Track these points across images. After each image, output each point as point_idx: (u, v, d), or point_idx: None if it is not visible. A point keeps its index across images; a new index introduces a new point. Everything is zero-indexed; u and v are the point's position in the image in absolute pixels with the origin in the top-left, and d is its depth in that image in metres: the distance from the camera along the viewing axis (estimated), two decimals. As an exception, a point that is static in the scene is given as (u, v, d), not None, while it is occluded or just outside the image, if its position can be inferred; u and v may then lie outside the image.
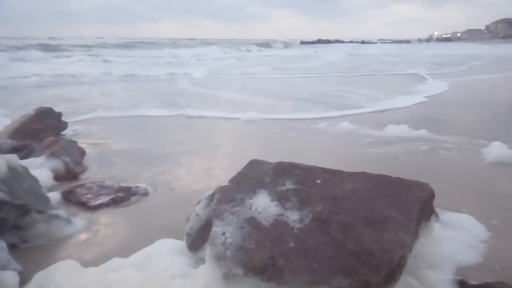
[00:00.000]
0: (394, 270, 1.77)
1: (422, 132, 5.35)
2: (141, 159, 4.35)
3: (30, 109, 5.01)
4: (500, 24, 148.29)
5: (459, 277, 2.05)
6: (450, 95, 9.33)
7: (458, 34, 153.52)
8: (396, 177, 2.27)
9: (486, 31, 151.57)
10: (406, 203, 2.07)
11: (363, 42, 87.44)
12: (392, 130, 5.51)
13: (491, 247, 2.44)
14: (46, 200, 2.79)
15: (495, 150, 4.30)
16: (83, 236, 2.65)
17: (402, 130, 5.46)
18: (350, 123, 5.99)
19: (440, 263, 2.11)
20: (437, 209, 2.60)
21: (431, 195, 2.19)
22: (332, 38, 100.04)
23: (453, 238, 2.48)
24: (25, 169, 2.88)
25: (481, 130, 5.57)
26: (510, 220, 2.81)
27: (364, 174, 2.35)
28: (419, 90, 9.75)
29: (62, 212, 2.77)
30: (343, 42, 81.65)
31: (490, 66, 19.09)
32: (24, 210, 2.50)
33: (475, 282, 1.98)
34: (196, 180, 3.72)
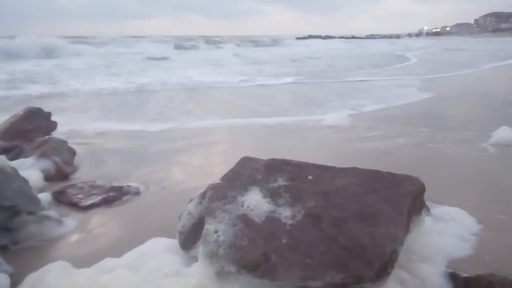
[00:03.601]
0: (386, 264, 1.78)
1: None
2: (132, 158, 4.33)
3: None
4: (488, 18, 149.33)
5: (450, 270, 2.07)
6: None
7: (448, 28, 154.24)
8: (387, 172, 2.28)
9: (475, 25, 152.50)
10: (397, 198, 2.08)
11: (353, 37, 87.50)
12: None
13: (481, 239, 2.46)
14: (37, 201, 2.76)
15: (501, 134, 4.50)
16: (75, 237, 2.63)
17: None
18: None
19: (431, 256, 2.13)
20: (428, 203, 2.62)
21: (422, 189, 2.21)
22: (323, 33, 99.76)
23: (444, 231, 2.50)
24: (15, 170, 2.84)
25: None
26: (501, 212, 2.84)
27: (355, 170, 2.35)
28: None
29: (53, 212, 2.75)
30: (333, 37, 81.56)
31: None
32: (14, 212, 2.48)
33: (466, 275, 2.00)
34: (188, 178, 3.72)
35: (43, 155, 3.69)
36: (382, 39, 72.16)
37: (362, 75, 13.03)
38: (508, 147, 4.37)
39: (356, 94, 8.84)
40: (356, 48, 32.93)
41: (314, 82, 11.59)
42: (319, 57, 22.44)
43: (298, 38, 67.53)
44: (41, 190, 3.28)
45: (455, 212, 2.77)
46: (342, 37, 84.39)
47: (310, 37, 78.16)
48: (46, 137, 4.39)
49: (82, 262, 2.13)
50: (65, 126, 5.46)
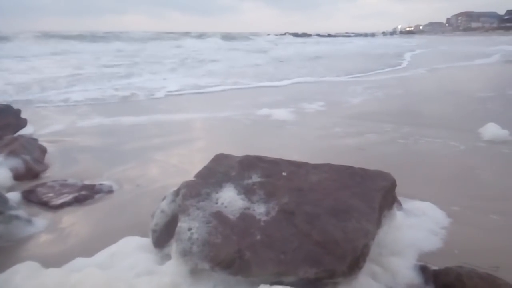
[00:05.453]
0: (358, 259, 1.81)
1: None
2: (105, 155, 4.25)
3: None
4: (460, 17, 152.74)
5: (421, 263, 2.12)
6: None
7: (421, 27, 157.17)
8: (359, 168, 2.32)
9: (447, 24, 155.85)
10: (369, 193, 2.11)
11: (329, 35, 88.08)
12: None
13: (451, 233, 2.53)
14: (5, 200, 2.68)
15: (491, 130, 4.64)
16: (45, 237, 2.56)
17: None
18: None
19: (402, 250, 2.17)
20: (400, 198, 2.68)
21: (393, 184, 2.25)
22: (300, 31, 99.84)
23: (415, 225, 2.56)
24: (-19, 169, 2.76)
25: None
26: (469, 206, 2.92)
27: (328, 166, 2.38)
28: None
29: (21, 212, 2.67)
30: (310, 35, 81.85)
31: None
32: (-20, 212, 2.40)
33: (435, 267, 2.05)
34: (162, 176, 3.67)
35: (12, 153, 3.58)
36: (359, 37, 73.34)
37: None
38: (492, 143, 4.50)
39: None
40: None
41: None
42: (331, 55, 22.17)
43: (295, 36, 68.85)
44: (10, 189, 3.18)
45: (426, 206, 2.83)
46: (318, 35, 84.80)
47: (289, 34, 78.30)
48: (16, 134, 4.27)
49: (52, 262, 2.07)
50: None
